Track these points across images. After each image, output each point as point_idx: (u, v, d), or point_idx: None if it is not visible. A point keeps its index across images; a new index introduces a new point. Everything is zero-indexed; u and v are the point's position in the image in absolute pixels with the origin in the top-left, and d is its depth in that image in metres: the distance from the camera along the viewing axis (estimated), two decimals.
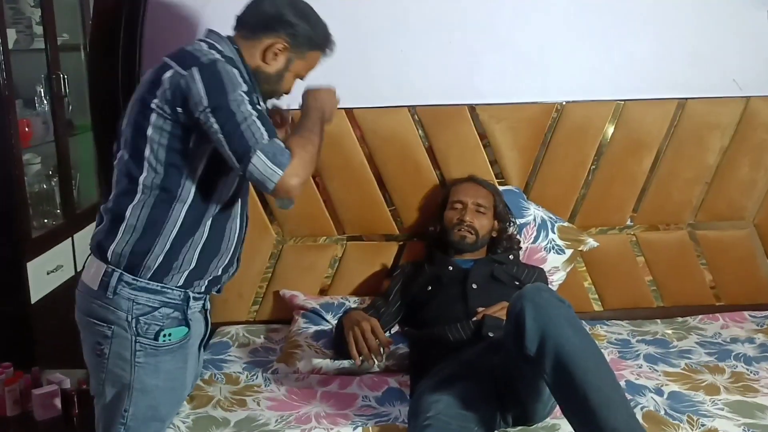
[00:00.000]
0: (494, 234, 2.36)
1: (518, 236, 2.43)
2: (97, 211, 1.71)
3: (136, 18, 2.35)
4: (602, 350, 2.12)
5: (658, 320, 2.57)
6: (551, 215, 2.52)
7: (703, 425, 1.81)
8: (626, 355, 2.27)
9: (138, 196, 1.60)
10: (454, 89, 2.50)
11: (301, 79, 1.80)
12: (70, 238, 3.11)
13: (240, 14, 1.73)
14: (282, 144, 1.52)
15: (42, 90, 3.09)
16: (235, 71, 1.56)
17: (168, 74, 1.55)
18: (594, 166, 2.55)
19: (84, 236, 3.20)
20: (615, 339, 2.40)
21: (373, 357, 2.00)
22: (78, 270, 3.12)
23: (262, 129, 1.51)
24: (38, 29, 3.04)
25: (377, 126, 2.48)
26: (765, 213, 2.61)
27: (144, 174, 1.60)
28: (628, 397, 1.83)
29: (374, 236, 2.58)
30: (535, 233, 2.47)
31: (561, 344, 1.60)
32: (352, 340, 2.00)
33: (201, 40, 1.67)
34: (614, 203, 2.58)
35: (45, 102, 3.09)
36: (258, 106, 1.55)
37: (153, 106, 1.56)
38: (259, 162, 1.49)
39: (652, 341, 2.38)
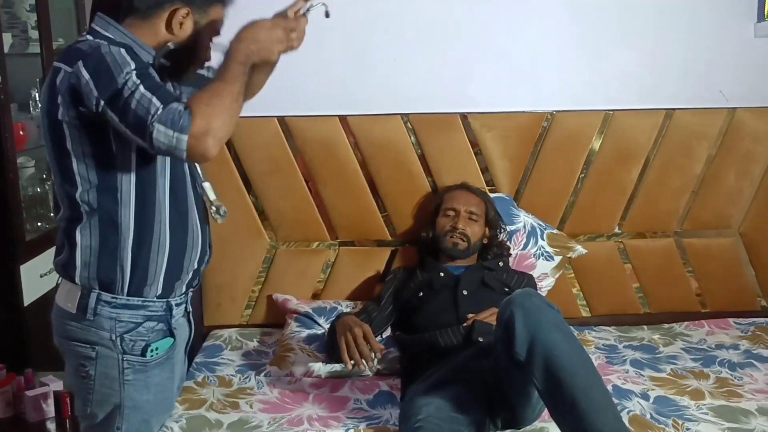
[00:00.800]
0: (485, 241, 2.40)
1: (508, 243, 2.47)
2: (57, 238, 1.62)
3: None
4: (590, 355, 2.18)
5: (645, 326, 2.61)
6: (541, 222, 2.56)
7: (687, 429, 1.85)
8: (613, 360, 2.31)
9: (84, 217, 1.53)
10: (446, 98, 2.54)
11: (216, 35, 1.63)
12: None
13: (125, 3, 1.55)
14: (180, 107, 1.39)
15: (36, 94, 3.10)
16: (122, 50, 1.44)
17: (59, 77, 1.45)
18: (583, 175, 2.59)
19: None
20: (602, 344, 2.44)
21: (365, 363, 2.02)
22: None
23: (153, 97, 1.39)
24: (34, 33, 3.05)
25: (371, 133, 2.51)
26: (750, 222, 2.66)
27: (79, 189, 1.51)
28: (615, 401, 1.87)
29: (366, 242, 2.62)
30: (524, 240, 2.51)
31: (550, 349, 1.63)
32: (344, 346, 2.01)
33: (89, 33, 1.55)
34: (602, 211, 2.63)
35: (39, 106, 3.10)
36: (148, 75, 1.43)
37: (60, 117, 1.46)
38: (159, 133, 1.37)
39: (639, 347, 2.42)
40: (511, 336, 1.67)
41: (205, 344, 2.39)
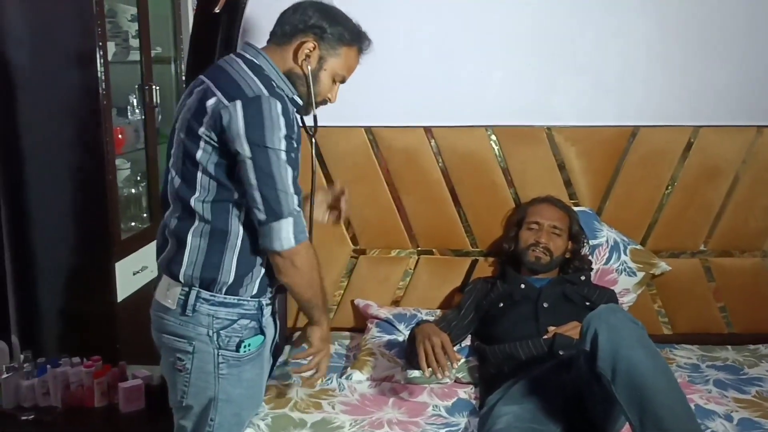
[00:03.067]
0: (567, 255, 2.40)
1: (590, 257, 2.47)
2: (158, 233, 1.74)
3: (232, 31, 2.47)
4: None
5: (729, 346, 2.56)
6: (624, 237, 2.54)
7: None
8: (695, 379, 2.28)
9: (196, 221, 1.64)
10: (530, 110, 2.55)
11: (342, 81, 1.78)
12: (154, 241, 3.25)
13: (275, 22, 1.75)
14: (304, 223, 1.63)
15: (135, 100, 3.26)
16: (278, 106, 1.57)
17: (211, 102, 1.58)
18: (668, 191, 2.56)
19: None
20: (684, 363, 2.41)
21: (442, 371, 2.03)
22: None
23: (296, 197, 1.59)
24: (134, 42, 3.22)
25: (455, 144, 2.55)
26: None
27: (196, 194, 1.63)
28: (698, 421, 1.86)
29: (447, 251, 2.64)
30: (607, 255, 2.50)
31: (634, 364, 1.63)
32: (422, 354, 2.03)
33: (238, 56, 1.70)
34: (688, 228, 2.59)
35: (137, 111, 3.26)
36: (293, 155, 1.59)
37: (200, 133, 1.59)
38: (285, 226, 1.58)
39: (722, 367, 2.38)
40: (595, 351, 1.67)
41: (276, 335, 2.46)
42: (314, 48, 1.70)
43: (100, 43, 2.77)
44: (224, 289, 1.66)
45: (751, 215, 2.57)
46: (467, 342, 2.36)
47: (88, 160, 2.83)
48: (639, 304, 2.55)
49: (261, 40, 2.49)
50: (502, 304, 2.27)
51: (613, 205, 2.58)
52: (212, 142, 1.59)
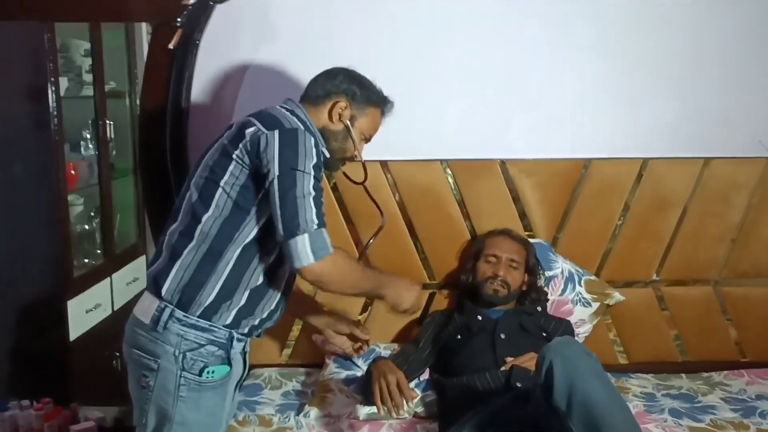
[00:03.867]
0: (524, 287, 2.42)
1: (546, 288, 2.49)
2: (157, 245, 1.80)
3: (186, 66, 2.47)
4: (628, 403, 2.17)
5: (683, 375, 2.60)
6: (578, 268, 2.58)
7: None
8: (651, 408, 2.30)
9: (195, 239, 1.69)
10: (485, 144, 2.59)
11: (367, 140, 1.96)
12: (108, 278, 3.21)
13: (304, 92, 1.92)
14: (328, 239, 1.64)
15: (88, 135, 3.23)
16: (312, 140, 1.68)
17: (251, 129, 1.68)
18: (621, 222, 2.61)
19: (122, 276, 3.31)
20: (640, 392, 2.43)
21: (396, 410, 2.02)
22: (115, 309, 3.22)
23: (315, 214, 1.62)
24: (87, 77, 3.19)
25: (411, 177, 2.57)
26: None
27: (209, 213, 1.69)
28: None
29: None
30: (562, 286, 2.53)
31: (589, 397, 1.64)
32: (377, 392, 2.03)
33: (280, 106, 1.82)
34: (640, 258, 2.64)
35: (90, 146, 3.23)
36: (319, 181, 1.67)
37: (234, 156, 1.68)
38: (301, 243, 1.61)
39: (678, 395, 2.41)
40: (550, 384, 1.68)
41: (245, 383, 2.44)
42: (346, 107, 1.87)
43: (53, 78, 2.75)
44: (199, 312, 1.69)
45: (701, 245, 2.62)
46: (426, 375, 2.35)
47: (40, 196, 2.79)
48: (595, 334, 2.58)
49: (217, 76, 2.55)
50: (459, 336, 2.28)
51: (568, 237, 2.62)
52: (243, 164, 1.67)
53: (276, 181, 1.62)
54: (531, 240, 2.56)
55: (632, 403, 2.29)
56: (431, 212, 2.59)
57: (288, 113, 1.78)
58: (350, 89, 1.88)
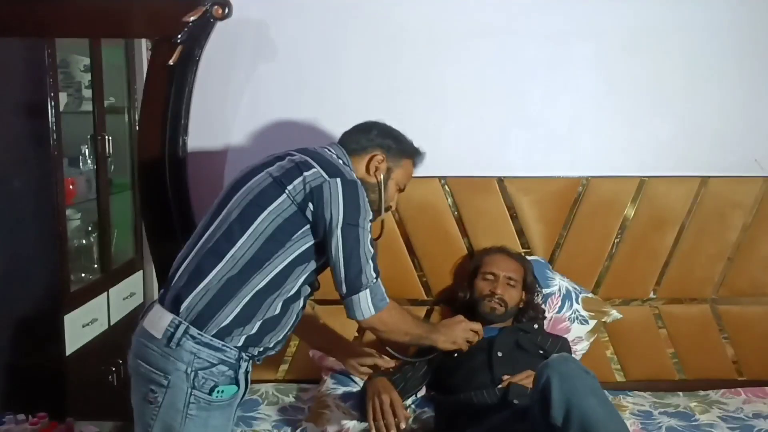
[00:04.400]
0: (521, 305, 2.43)
1: (543, 306, 2.49)
2: (179, 262, 1.79)
3: (186, 82, 2.48)
4: (624, 421, 2.17)
5: (680, 393, 2.59)
6: (576, 286, 2.58)
7: None
8: (648, 426, 2.29)
9: (226, 261, 1.71)
10: (483, 162, 2.60)
11: (401, 190, 2.04)
12: (105, 293, 3.21)
13: (340, 139, 1.99)
14: (384, 291, 1.76)
15: (87, 150, 3.24)
16: (365, 194, 1.78)
17: (311, 172, 1.74)
18: (618, 240, 2.62)
19: (119, 291, 3.30)
20: (637, 410, 2.43)
21: (388, 431, 2.02)
22: (111, 323, 3.21)
23: (373, 269, 1.74)
24: (87, 92, 3.21)
25: (409, 194, 2.52)
26: None
27: (245, 237, 1.71)
28: None
29: (402, 300, 2.64)
30: (559, 303, 2.53)
31: (586, 414, 1.65)
32: (371, 411, 2.05)
33: (329, 150, 1.89)
34: (637, 276, 2.64)
35: (89, 161, 3.24)
36: (370, 233, 1.77)
37: (287, 190, 1.72)
38: (364, 298, 1.72)
39: (675, 414, 2.41)
40: (548, 401, 1.69)
41: (244, 398, 2.42)
42: (383, 160, 1.95)
43: (52, 94, 2.76)
44: (214, 332, 1.69)
45: (698, 263, 2.63)
46: (423, 392, 2.35)
47: (39, 211, 2.79)
48: (592, 351, 2.58)
49: (217, 92, 2.56)
50: (456, 354, 2.27)
51: (565, 254, 2.63)
52: (294, 201, 1.72)
53: (340, 235, 1.70)
54: (528, 257, 2.57)
55: (629, 421, 2.28)
56: (429, 229, 2.60)
57: (340, 161, 1.86)
58: (385, 143, 1.96)
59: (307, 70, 2.59)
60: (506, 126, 2.62)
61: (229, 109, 2.60)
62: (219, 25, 2.45)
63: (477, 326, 2.02)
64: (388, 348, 2.16)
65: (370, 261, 1.74)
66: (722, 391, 2.59)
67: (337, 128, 2.40)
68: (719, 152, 2.64)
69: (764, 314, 2.66)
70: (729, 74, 2.62)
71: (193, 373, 1.67)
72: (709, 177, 2.61)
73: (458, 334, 1.98)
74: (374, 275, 1.73)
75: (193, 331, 1.68)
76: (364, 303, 1.72)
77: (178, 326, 1.68)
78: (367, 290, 1.71)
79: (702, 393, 2.60)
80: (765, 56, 2.62)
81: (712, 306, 2.67)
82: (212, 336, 1.69)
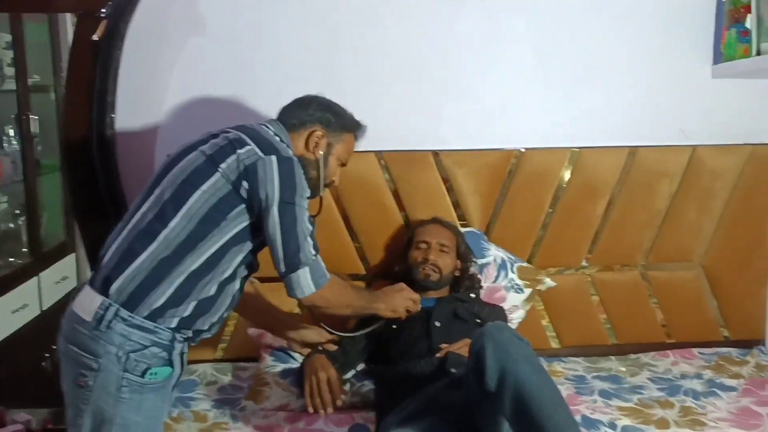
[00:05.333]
0: (456, 273, 2.46)
1: (479, 276, 2.53)
2: (106, 242, 1.76)
3: (111, 58, 2.41)
4: (559, 386, 2.21)
5: (613, 357, 2.68)
6: (511, 256, 2.62)
7: None
8: (582, 390, 2.36)
9: (159, 241, 1.67)
10: (419, 136, 2.62)
11: (344, 164, 2.02)
12: (36, 277, 3.11)
13: (279, 114, 1.95)
14: (324, 266, 1.76)
15: (12, 130, 3.12)
16: (302, 171, 1.76)
17: (245, 149, 1.71)
18: (551, 210, 2.67)
19: (50, 275, 3.21)
20: (572, 375, 2.50)
21: (325, 408, 2.03)
22: (43, 309, 3.12)
23: (313, 246, 1.73)
24: (9, 70, 3.08)
25: (346, 169, 2.54)
26: (711, 255, 2.74)
27: (176, 220, 1.68)
28: (584, 431, 1.93)
29: (341, 275, 2.64)
30: (495, 273, 2.57)
31: (520, 380, 1.68)
32: (308, 389, 2.06)
33: (266, 127, 1.85)
34: (570, 245, 2.70)
35: (14, 142, 3.12)
36: (309, 213, 1.75)
37: (220, 169, 1.70)
38: (303, 275, 1.72)
39: (607, 377, 2.48)
40: (482, 368, 1.71)
41: (180, 379, 2.40)
42: (323, 136, 1.93)
43: None
44: (146, 313, 1.66)
45: (628, 231, 2.70)
46: (363, 366, 2.36)
47: None
48: (528, 319, 2.63)
49: (145, 69, 2.50)
50: (394, 326, 2.29)
51: (500, 225, 2.67)
52: (228, 179, 1.70)
53: (276, 213, 1.69)
54: (464, 229, 2.60)
55: (563, 386, 2.35)
56: (366, 203, 2.60)
57: (276, 138, 1.83)
58: (325, 117, 1.94)
59: (240, 44, 2.56)
60: (440, 100, 2.64)
61: (158, 85, 2.54)
62: None
63: (416, 296, 2.05)
64: (323, 325, 2.17)
65: (309, 238, 1.73)
66: (652, 353, 2.68)
67: (272, 103, 2.38)
68: (647, 123, 2.72)
69: (691, 279, 2.76)
70: (654, 47, 2.69)
71: (124, 355, 1.64)
72: (638, 147, 2.68)
73: (398, 302, 2.01)
74: (313, 252, 1.73)
75: (124, 313, 1.65)
76: (304, 281, 1.72)
77: (108, 308, 1.64)
78: (307, 268, 1.71)
79: (633, 356, 2.68)
80: (689, 28, 2.69)
81: (642, 272, 2.75)
82: (144, 318, 1.66)
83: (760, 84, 2.73)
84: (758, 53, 2.51)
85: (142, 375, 1.66)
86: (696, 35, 2.70)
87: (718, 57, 2.68)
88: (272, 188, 1.69)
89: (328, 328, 2.18)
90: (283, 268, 1.72)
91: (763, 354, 2.66)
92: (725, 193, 2.71)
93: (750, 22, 2.52)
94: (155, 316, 1.67)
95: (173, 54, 2.52)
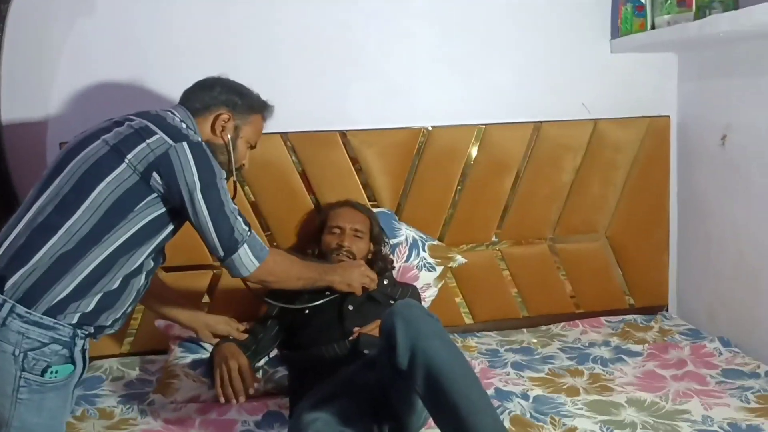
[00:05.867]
0: (369, 256, 2.43)
1: (392, 256, 2.52)
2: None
3: None
4: (473, 361, 2.26)
5: (525, 330, 2.72)
6: (422, 235, 2.62)
7: (564, 425, 1.94)
8: (495, 364, 2.39)
9: (60, 235, 1.60)
10: (325, 116, 2.59)
11: (253, 147, 1.97)
12: None
13: (181, 101, 1.87)
14: (260, 240, 1.75)
15: None
16: (212, 154, 1.71)
17: (154, 138, 1.65)
18: (460, 187, 2.68)
19: None
20: (485, 350, 2.52)
21: (236, 397, 1.97)
22: None
23: (243, 223, 1.71)
24: None
25: (251, 153, 2.49)
26: (615, 226, 2.82)
27: (79, 212, 1.61)
28: (497, 403, 1.96)
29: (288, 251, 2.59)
30: (407, 252, 2.57)
31: (430, 356, 1.67)
32: (218, 379, 2.00)
33: (172, 113, 1.78)
34: (480, 221, 2.73)
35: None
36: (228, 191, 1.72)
37: (127, 159, 1.63)
38: (243, 254, 1.70)
39: (519, 350, 2.52)
40: (393, 346, 1.70)
41: (83, 376, 2.30)
42: (229, 119, 1.87)
43: None
44: (44, 309, 1.58)
45: (535, 206, 2.75)
46: (276, 352, 2.32)
47: None
48: (441, 297, 2.64)
49: (31, 49, 2.36)
50: (307, 311, 2.25)
51: (410, 204, 2.66)
52: (135, 170, 1.63)
53: (201, 199, 1.64)
54: (375, 209, 2.58)
55: (477, 360, 2.37)
56: (273, 186, 2.55)
57: (183, 124, 1.77)
58: (230, 99, 1.88)
59: (131, 24, 2.45)
60: (345, 79, 2.61)
61: (45, 71, 2.42)
62: None
63: (374, 275, 2.05)
64: (267, 299, 2.14)
65: (238, 216, 1.71)
66: (562, 324, 2.75)
67: (169, 85, 2.31)
68: (550, 98, 2.77)
69: (596, 250, 2.83)
70: (554, 23, 2.74)
71: (21, 354, 1.57)
72: (542, 122, 2.72)
73: (355, 276, 2.01)
74: (246, 229, 1.71)
75: (20, 309, 1.57)
76: (246, 258, 1.70)
77: (2, 305, 1.56)
78: (245, 245, 1.69)
79: (544, 328, 2.74)
80: (587, 4, 2.76)
81: (550, 245, 2.81)
82: (42, 314, 1.59)
83: (656, 57, 2.82)
84: (653, 27, 2.59)
85: (42, 374, 1.59)
86: (594, 10, 2.76)
87: (616, 32, 2.75)
88: (191, 175, 1.64)
89: (269, 300, 2.15)
90: (221, 252, 1.70)
91: (666, 319, 2.77)
92: (626, 165, 2.79)
93: None
94: (55, 311, 1.60)
95: (60, 36, 2.40)
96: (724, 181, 2.63)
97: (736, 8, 2.29)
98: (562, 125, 2.74)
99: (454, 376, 1.67)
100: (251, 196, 2.55)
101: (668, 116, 2.83)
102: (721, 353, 2.41)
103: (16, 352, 1.56)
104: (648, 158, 2.80)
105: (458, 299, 2.75)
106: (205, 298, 2.57)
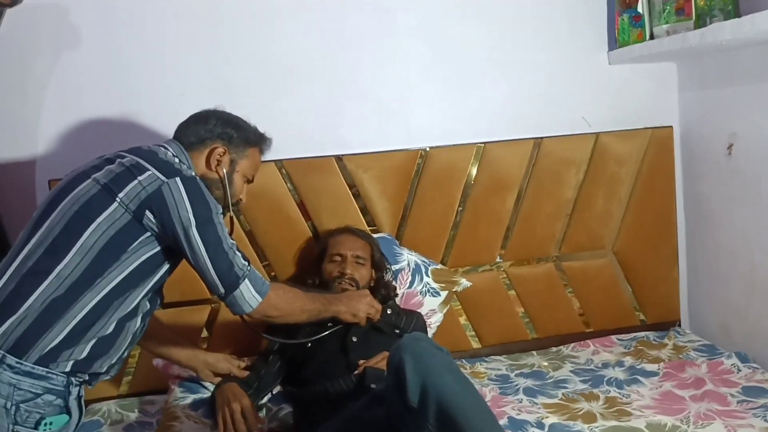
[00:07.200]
0: (372, 283, 2.36)
1: (394, 283, 2.44)
2: None
3: None
4: (483, 388, 2.20)
5: (534, 352, 2.65)
6: (424, 259, 2.55)
7: None
8: (507, 390, 2.31)
9: (51, 280, 1.54)
10: (319, 141, 2.53)
11: (250, 181, 1.92)
12: None
13: (176, 133, 1.82)
14: (259, 274, 1.70)
15: None
16: (206, 188, 1.67)
17: (145, 175, 1.60)
18: (461, 208, 2.61)
19: None
20: (495, 375, 2.45)
21: None
22: None
23: (243, 258, 1.67)
24: None
25: (248, 186, 2.43)
26: (622, 241, 2.75)
27: (70, 256, 1.55)
28: None
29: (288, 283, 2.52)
30: (410, 278, 2.49)
31: (442, 392, 1.60)
32: (221, 423, 1.95)
33: (164, 148, 1.73)
34: (483, 242, 2.65)
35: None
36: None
37: (118, 198, 1.58)
38: (245, 290, 1.65)
39: (530, 374, 2.44)
40: (403, 383, 1.63)
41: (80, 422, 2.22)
42: (225, 152, 1.81)
43: None
44: (36, 358, 1.52)
45: (539, 223, 2.68)
46: (279, 388, 2.24)
47: None
48: (446, 322, 2.57)
49: (16, 85, 2.30)
50: (309, 344, 2.18)
51: (411, 228, 2.59)
52: (127, 209, 1.58)
53: (197, 236, 1.60)
54: (375, 235, 2.51)
55: (487, 387, 2.30)
56: (270, 216, 2.48)
57: (176, 159, 1.73)
58: (225, 133, 1.83)
59: (119, 55, 2.39)
60: (338, 102, 2.55)
61: (31, 107, 2.35)
62: (10, 12, 2.19)
63: (379, 306, 2.02)
64: (266, 335, 2.07)
65: (237, 252, 1.67)
66: (572, 344, 2.67)
67: (160, 118, 2.24)
68: (549, 113, 2.71)
69: (604, 266, 2.76)
70: (550, 36, 2.68)
71: (13, 407, 1.50)
72: (542, 138, 2.65)
73: (361, 307, 1.97)
74: (246, 263, 1.67)
75: (11, 360, 1.51)
76: (248, 294, 1.66)
77: None
78: (246, 280, 1.65)
79: (554, 349, 2.66)
80: (583, 16, 2.70)
81: (556, 263, 2.74)
82: (34, 363, 1.52)
83: (655, 68, 2.76)
84: (651, 37, 2.54)
85: (36, 426, 1.53)
86: (590, 23, 2.71)
87: (613, 43, 2.69)
88: (185, 212, 1.60)
89: (268, 336, 2.08)
90: (221, 289, 1.65)
91: (680, 335, 2.69)
92: (630, 178, 2.73)
93: (641, 6, 2.55)
94: (47, 360, 1.53)
95: (46, 69, 2.33)
96: (731, 190, 2.56)
97: (737, 15, 2.24)
98: (563, 140, 2.68)
99: (467, 412, 1.60)
100: (247, 225, 2.48)
101: (671, 126, 2.77)
102: (739, 369, 2.33)
103: (8, 405, 1.50)
104: (652, 170, 2.74)
105: (464, 323, 2.67)
106: (204, 333, 2.49)
